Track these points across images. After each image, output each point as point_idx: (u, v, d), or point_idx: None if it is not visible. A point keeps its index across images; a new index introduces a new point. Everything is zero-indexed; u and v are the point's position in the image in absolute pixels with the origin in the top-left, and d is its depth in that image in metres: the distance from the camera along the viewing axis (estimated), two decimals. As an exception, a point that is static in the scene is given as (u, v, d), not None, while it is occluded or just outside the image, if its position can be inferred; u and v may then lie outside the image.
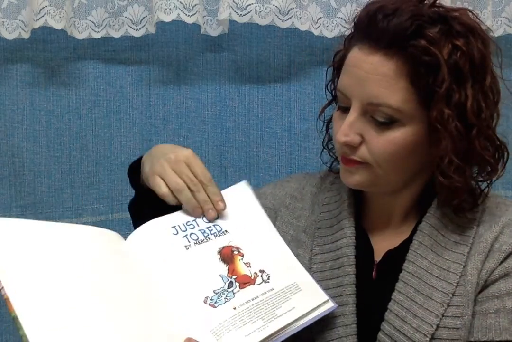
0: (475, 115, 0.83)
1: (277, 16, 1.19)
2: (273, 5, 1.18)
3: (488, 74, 0.85)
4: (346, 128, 0.85)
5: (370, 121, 0.85)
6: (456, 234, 0.90)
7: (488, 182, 0.92)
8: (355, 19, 0.89)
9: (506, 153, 0.90)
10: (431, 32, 0.81)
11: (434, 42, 0.81)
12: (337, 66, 0.94)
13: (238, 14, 1.18)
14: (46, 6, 1.16)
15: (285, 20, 1.20)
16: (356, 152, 0.87)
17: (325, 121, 1.03)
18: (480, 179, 0.91)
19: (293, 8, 1.19)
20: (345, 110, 0.88)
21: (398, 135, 0.84)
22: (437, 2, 0.86)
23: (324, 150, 1.04)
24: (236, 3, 1.18)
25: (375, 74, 0.83)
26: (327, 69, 1.00)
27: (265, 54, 1.29)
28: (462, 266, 0.87)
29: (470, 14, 0.87)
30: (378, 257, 0.93)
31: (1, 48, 1.24)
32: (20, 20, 1.17)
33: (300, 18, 1.21)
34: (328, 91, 1.01)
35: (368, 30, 0.84)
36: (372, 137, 0.85)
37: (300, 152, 1.31)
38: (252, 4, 1.18)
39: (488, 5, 1.24)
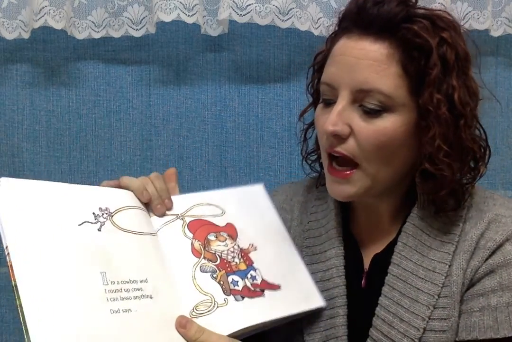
0: (463, 106, 0.82)
1: (277, 16, 1.19)
2: (273, 5, 1.18)
3: (470, 69, 0.84)
4: (334, 118, 0.82)
5: (359, 111, 0.82)
6: (442, 233, 0.87)
7: (471, 180, 0.88)
8: (341, 14, 0.88)
9: (488, 150, 0.88)
10: (421, 21, 0.82)
11: (425, 28, 0.81)
12: (318, 67, 0.92)
13: (238, 14, 1.18)
14: (46, 6, 1.16)
15: (285, 20, 1.20)
16: (343, 144, 0.83)
17: (303, 130, 0.99)
18: (464, 180, 0.88)
19: (293, 8, 1.20)
20: (330, 103, 0.85)
21: (387, 125, 0.81)
22: (421, 5, 0.87)
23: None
24: (236, 3, 1.18)
25: (365, 59, 0.81)
26: (308, 69, 0.97)
27: (265, 54, 1.29)
28: (447, 266, 0.84)
29: (449, 15, 0.87)
30: (367, 262, 0.91)
31: (1, 48, 1.24)
32: (20, 20, 1.17)
33: (300, 18, 1.21)
34: (309, 93, 0.97)
35: (357, 18, 0.83)
36: (361, 128, 0.82)
37: (300, 152, 1.31)
38: (252, 4, 1.18)
39: (488, 5, 1.24)
